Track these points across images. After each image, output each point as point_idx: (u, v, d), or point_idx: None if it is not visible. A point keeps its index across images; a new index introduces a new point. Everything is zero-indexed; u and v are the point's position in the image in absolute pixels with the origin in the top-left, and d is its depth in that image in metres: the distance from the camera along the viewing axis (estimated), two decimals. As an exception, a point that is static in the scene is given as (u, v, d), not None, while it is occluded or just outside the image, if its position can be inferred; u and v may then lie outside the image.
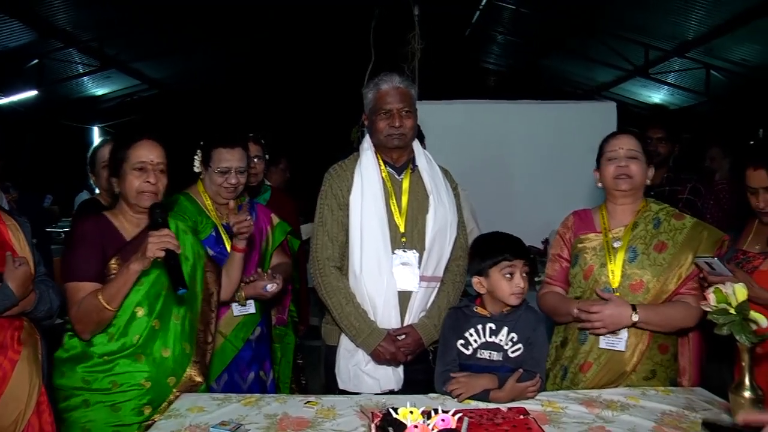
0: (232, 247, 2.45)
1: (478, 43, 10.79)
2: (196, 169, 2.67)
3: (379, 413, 1.77)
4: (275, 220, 2.90)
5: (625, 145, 2.31)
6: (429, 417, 1.59)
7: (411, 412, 1.60)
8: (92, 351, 2.06)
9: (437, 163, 2.63)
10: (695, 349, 2.35)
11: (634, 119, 4.52)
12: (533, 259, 2.18)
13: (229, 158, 2.59)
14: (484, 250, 2.21)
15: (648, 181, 2.34)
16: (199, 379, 2.19)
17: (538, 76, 11.05)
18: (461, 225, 2.60)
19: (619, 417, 1.91)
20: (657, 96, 10.32)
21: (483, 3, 8.89)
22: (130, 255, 2.02)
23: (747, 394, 1.67)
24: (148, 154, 2.13)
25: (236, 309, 2.62)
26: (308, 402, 2.03)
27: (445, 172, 2.64)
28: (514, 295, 2.11)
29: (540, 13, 8.73)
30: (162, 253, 1.95)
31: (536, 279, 3.98)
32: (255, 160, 3.16)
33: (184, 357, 2.16)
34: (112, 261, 2.08)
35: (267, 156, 3.39)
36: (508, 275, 2.11)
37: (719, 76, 8.67)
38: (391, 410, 1.64)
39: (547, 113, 4.46)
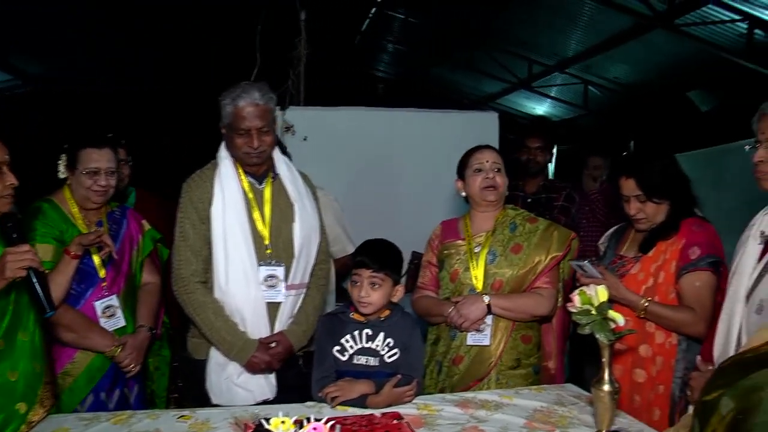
0: (64, 251, 2.28)
1: (368, 51, 10.88)
2: (60, 175, 2.49)
3: (252, 425, 1.72)
4: (146, 226, 2.76)
5: (490, 158, 2.51)
6: (301, 426, 1.56)
7: (283, 422, 1.57)
8: None
9: (297, 169, 2.60)
10: (558, 335, 2.60)
11: (519, 129, 4.74)
12: (392, 267, 2.19)
13: (98, 159, 2.44)
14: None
15: (506, 191, 2.55)
16: (50, 401, 1.98)
17: (427, 86, 11.30)
18: (322, 229, 2.59)
19: (493, 416, 1.96)
20: (541, 108, 10.84)
21: (372, 12, 8.99)
22: None
23: (606, 387, 1.76)
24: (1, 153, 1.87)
25: (105, 323, 2.46)
26: (181, 416, 1.95)
27: (305, 177, 2.61)
28: (359, 303, 2.12)
29: (429, 24, 8.93)
30: (23, 273, 1.76)
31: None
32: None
33: (35, 378, 1.93)
34: None
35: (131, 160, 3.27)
36: (357, 282, 2.14)
37: (596, 92, 9.25)
38: (263, 421, 1.60)
39: (433, 121, 4.53)
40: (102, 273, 2.48)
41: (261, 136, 2.35)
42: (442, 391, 2.38)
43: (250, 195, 2.42)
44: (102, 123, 7.58)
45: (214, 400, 2.37)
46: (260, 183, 2.46)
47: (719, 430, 1.00)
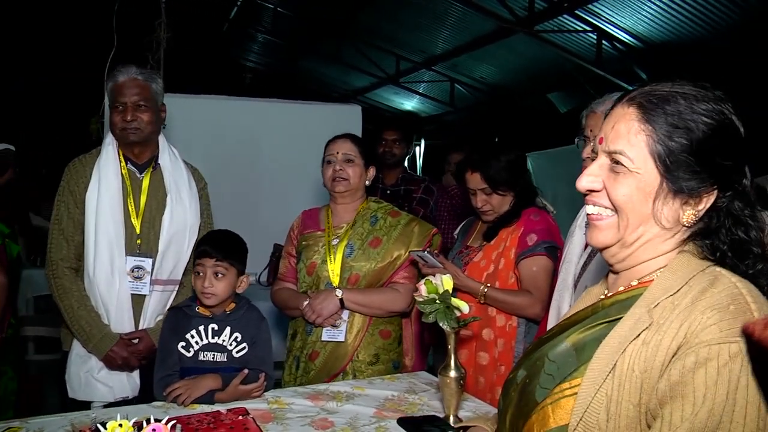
0: None
1: (236, 39, 10.63)
2: None
3: (88, 430, 1.62)
4: None
5: (341, 149, 2.45)
6: (141, 428, 1.49)
7: (120, 425, 1.49)
8: None
9: (185, 161, 2.52)
10: (415, 331, 2.58)
11: (377, 122, 4.84)
12: (236, 257, 2.15)
13: None
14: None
15: (367, 182, 2.51)
16: None
17: (296, 78, 11.22)
18: (208, 226, 2.51)
19: (343, 407, 1.96)
20: (409, 104, 11.11)
21: (240, 0, 8.79)
22: None
23: (452, 374, 1.82)
24: None
25: None
26: (9, 429, 1.77)
27: (193, 170, 2.54)
28: (203, 294, 2.07)
29: (298, 15, 8.87)
30: None
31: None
32: None
33: None
34: None
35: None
36: (200, 273, 2.08)
37: (463, 90, 9.61)
38: (99, 426, 1.51)
39: (298, 113, 4.51)
40: None
41: (136, 111, 2.31)
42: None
43: (128, 183, 2.37)
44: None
45: (71, 393, 2.32)
46: (141, 172, 2.40)
47: (514, 397, 1.13)
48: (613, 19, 6.23)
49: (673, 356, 0.92)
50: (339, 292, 2.34)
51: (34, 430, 1.76)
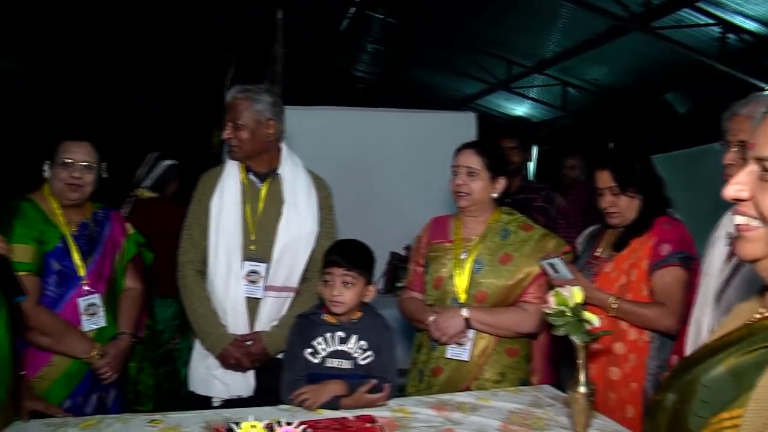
0: None
1: (347, 50, 10.84)
2: (45, 174, 2.44)
3: (222, 429, 1.69)
4: (130, 230, 2.71)
5: (465, 162, 2.35)
6: (272, 430, 1.53)
7: (253, 426, 1.54)
8: None
9: (310, 170, 2.59)
10: (544, 350, 2.47)
11: (492, 129, 4.78)
12: (364, 266, 2.16)
13: (74, 151, 2.41)
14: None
15: (495, 194, 2.40)
16: (11, 410, 1.88)
17: (406, 86, 11.30)
18: (329, 236, 2.54)
19: (468, 419, 1.94)
20: (520, 109, 10.89)
21: (351, 12, 8.97)
22: None
23: (582, 389, 1.75)
24: None
25: (86, 321, 2.41)
26: (152, 421, 1.90)
27: (316, 180, 2.60)
28: (331, 302, 2.10)
29: (408, 24, 8.93)
30: None
31: (397, 285, 4.04)
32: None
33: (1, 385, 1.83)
34: None
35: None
36: (329, 282, 2.11)
37: (575, 93, 9.32)
38: (233, 425, 1.57)
39: (411, 122, 4.54)
40: (82, 272, 2.42)
41: (235, 130, 2.43)
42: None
43: (247, 191, 2.49)
44: (85, 118, 7.47)
45: (191, 387, 2.49)
46: (261, 181, 2.51)
47: (663, 422, 1.05)
48: (740, 8, 5.81)
49: None
50: (465, 312, 2.26)
51: (172, 424, 1.88)
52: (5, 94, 10.03)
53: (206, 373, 2.44)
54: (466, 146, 2.41)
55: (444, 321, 2.26)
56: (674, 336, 2.23)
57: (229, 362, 2.37)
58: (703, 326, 1.88)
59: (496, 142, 3.24)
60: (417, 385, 2.39)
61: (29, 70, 10.11)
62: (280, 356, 2.40)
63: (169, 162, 3.94)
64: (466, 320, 2.26)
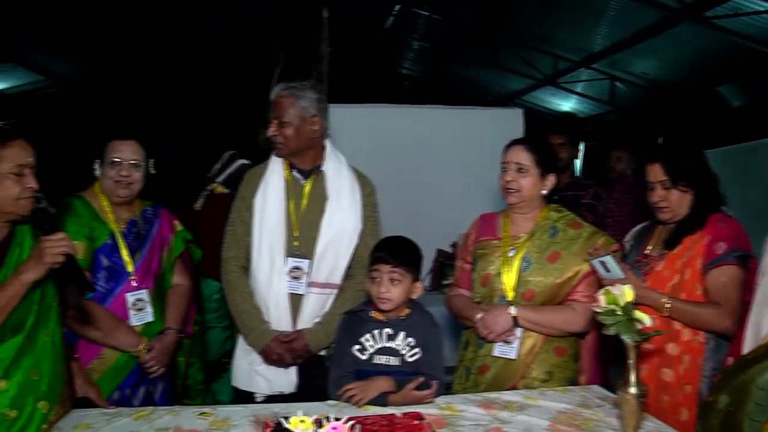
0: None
1: (392, 48, 10.85)
2: (96, 173, 2.53)
3: (271, 423, 1.72)
4: (178, 226, 2.78)
5: (514, 158, 2.34)
6: (321, 425, 1.55)
7: (302, 421, 1.56)
8: None
9: (354, 168, 2.60)
10: (592, 349, 2.43)
11: (540, 126, 4.70)
12: (411, 263, 2.15)
13: (122, 149, 2.49)
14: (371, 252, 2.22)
15: (545, 191, 2.37)
16: (70, 401, 1.98)
17: (452, 83, 11.23)
18: (372, 233, 2.54)
19: (516, 417, 1.93)
20: (567, 104, 10.70)
21: (396, 9, 8.96)
22: None
23: (632, 390, 1.72)
24: (25, 155, 1.83)
25: (134, 316, 2.49)
26: (202, 413, 1.95)
27: (360, 177, 2.61)
28: (378, 299, 2.10)
29: (453, 21, 8.87)
30: (61, 258, 1.77)
31: (444, 282, 4.03)
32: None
33: (56, 377, 1.91)
34: None
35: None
36: (377, 278, 2.11)
37: (623, 87, 9.10)
38: (282, 420, 1.60)
39: (457, 119, 4.51)
40: (130, 267, 2.50)
41: (279, 127, 2.44)
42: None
43: (291, 188, 2.50)
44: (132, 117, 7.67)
45: (234, 382, 2.54)
46: (305, 179, 2.53)
47: (715, 424, 1.06)
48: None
49: None
50: (513, 310, 2.25)
51: (221, 417, 1.92)
52: (58, 96, 10.42)
53: (249, 369, 2.47)
54: (516, 142, 2.40)
55: (491, 319, 2.25)
56: (730, 337, 2.16)
57: (271, 358, 2.39)
58: (763, 327, 1.81)
59: (545, 138, 3.19)
60: (463, 382, 2.39)
61: (78, 73, 10.46)
62: (322, 353, 2.44)
63: (242, 161, 4.06)
64: (514, 318, 2.24)
